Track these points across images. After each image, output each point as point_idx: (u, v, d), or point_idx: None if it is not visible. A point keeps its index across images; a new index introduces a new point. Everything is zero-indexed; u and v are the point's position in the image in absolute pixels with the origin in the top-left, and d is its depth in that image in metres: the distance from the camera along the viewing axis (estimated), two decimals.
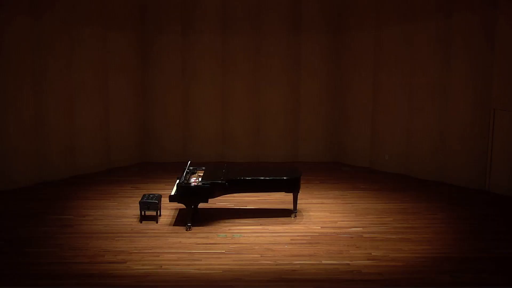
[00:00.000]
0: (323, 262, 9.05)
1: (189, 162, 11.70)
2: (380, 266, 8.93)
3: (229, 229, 10.47)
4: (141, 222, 10.77)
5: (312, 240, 9.95)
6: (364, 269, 8.81)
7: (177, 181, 10.70)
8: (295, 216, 11.11)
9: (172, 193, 10.58)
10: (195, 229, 10.36)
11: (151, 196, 11.05)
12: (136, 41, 15.15)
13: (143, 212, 10.85)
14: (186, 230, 10.34)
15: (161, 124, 15.71)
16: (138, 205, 10.99)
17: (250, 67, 15.64)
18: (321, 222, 10.93)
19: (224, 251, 9.44)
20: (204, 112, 15.78)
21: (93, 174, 14.33)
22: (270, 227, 10.56)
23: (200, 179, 10.76)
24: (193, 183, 10.52)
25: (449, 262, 9.09)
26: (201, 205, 10.77)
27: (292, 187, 10.96)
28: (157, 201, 10.84)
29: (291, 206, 11.22)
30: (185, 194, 10.35)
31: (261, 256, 9.26)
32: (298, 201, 11.29)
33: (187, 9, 15.30)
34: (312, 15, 15.42)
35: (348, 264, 8.98)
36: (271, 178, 10.89)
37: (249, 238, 10.01)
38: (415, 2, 13.85)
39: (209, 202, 10.58)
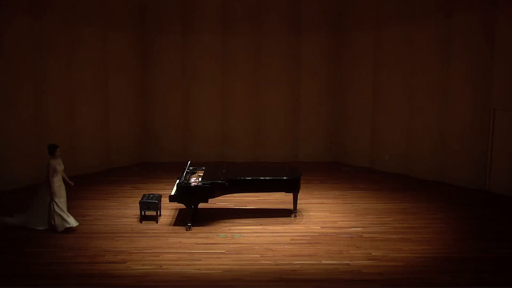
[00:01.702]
0: (323, 262, 9.04)
1: (189, 162, 11.69)
2: (380, 266, 8.92)
3: (229, 229, 10.46)
4: (141, 222, 10.77)
5: (312, 240, 9.94)
6: (364, 269, 8.81)
7: (177, 181, 10.69)
8: (295, 216, 11.11)
9: (172, 193, 10.58)
10: (195, 229, 10.36)
11: (151, 196, 11.05)
12: (136, 41, 15.15)
13: (143, 212, 10.85)
14: (186, 230, 10.33)
15: (161, 124, 15.71)
16: (138, 205, 10.99)
17: (250, 67, 15.65)
18: (321, 222, 10.93)
19: (224, 251, 9.44)
20: (204, 112, 15.79)
21: (93, 174, 14.33)
22: (270, 227, 10.56)
23: (200, 179, 10.76)
24: (193, 183, 10.52)
25: (449, 262, 9.09)
26: (201, 205, 10.77)
27: (292, 187, 10.96)
28: (157, 201, 10.84)
29: (291, 206, 11.22)
30: (185, 194, 10.35)
31: (261, 256, 9.26)
32: (298, 201, 11.29)
33: (187, 9, 15.30)
34: (312, 15, 15.43)
35: (348, 264, 8.98)
36: (271, 178, 10.89)
37: (249, 238, 10.01)
38: (415, 2, 13.85)
39: (209, 202, 10.58)
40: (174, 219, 10.96)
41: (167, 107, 15.65)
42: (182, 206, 11.04)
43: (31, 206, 10.34)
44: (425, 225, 10.81)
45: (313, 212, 11.47)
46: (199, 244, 9.73)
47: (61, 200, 10.20)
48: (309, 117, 15.91)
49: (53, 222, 10.11)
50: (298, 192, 11.09)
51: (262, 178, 10.85)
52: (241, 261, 9.08)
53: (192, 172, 11.33)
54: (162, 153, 15.78)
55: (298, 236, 10.15)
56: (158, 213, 10.92)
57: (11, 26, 12.57)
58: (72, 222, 10.20)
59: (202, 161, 13.98)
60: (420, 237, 10.14)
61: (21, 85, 12.89)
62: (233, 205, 11.85)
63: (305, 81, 15.77)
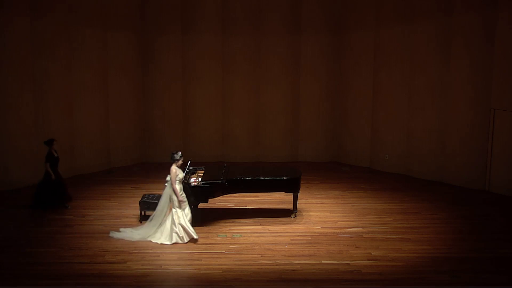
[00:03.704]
0: (323, 262, 9.05)
1: (189, 162, 11.70)
2: (380, 266, 8.93)
3: (229, 229, 10.46)
4: (141, 222, 10.77)
5: (312, 240, 9.95)
6: (364, 269, 8.81)
7: None
8: (295, 216, 11.11)
9: None
10: (195, 229, 10.34)
11: (151, 196, 11.06)
12: (136, 41, 15.15)
13: (143, 212, 10.86)
14: None
15: (161, 124, 15.71)
16: (138, 205, 10.99)
17: (250, 67, 15.64)
18: (321, 222, 10.94)
19: (224, 251, 9.45)
20: (204, 112, 15.78)
21: (93, 174, 14.32)
22: (270, 227, 10.56)
23: (200, 179, 10.76)
24: (193, 183, 10.52)
25: (449, 262, 9.09)
26: (201, 205, 10.77)
27: (292, 187, 10.96)
28: (157, 201, 10.84)
29: (291, 206, 11.22)
30: (185, 194, 10.34)
31: (261, 256, 9.26)
32: (298, 201, 11.30)
33: (187, 9, 15.30)
34: (312, 15, 15.42)
35: (348, 264, 8.98)
36: (271, 178, 10.90)
37: (249, 238, 10.01)
38: (415, 2, 13.84)
39: (209, 202, 10.58)
40: None
41: (167, 107, 15.64)
42: None
43: (152, 217, 10.02)
44: (425, 225, 10.81)
45: (313, 212, 11.47)
46: (199, 244, 9.73)
47: (185, 211, 9.92)
48: (309, 117, 15.90)
49: (174, 232, 9.77)
50: (298, 192, 11.09)
51: (262, 178, 10.86)
52: (241, 261, 9.08)
53: (192, 172, 11.33)
54: (162, 153, 15.75)
55: (298, 236, 10.15)
56: None
57: (11, 27, 12.57)
58: (193, 234, 9.88)
59: (202, 161, 13.98)
60: (420, 237, 10.15)
61: (21, 85, 12.89)
62: (233, 205, 11.85)
63: (305, 81, 15.76)
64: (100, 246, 9.62)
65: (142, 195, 11.24)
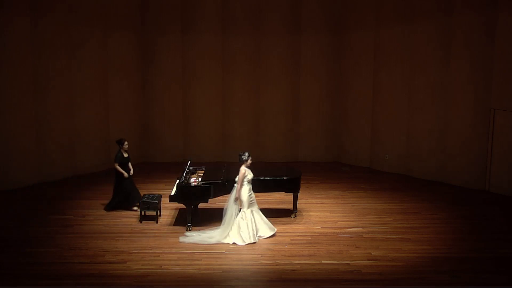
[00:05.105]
0: (323, 262, 9.05)
1: (189, 162, 11.69)
2: (380, 266, 8.93)
3: None
4: (141, 222, 10.77)
5: (312, 240, 9.95)
6: (364, 269, 8.81)
7: (177, 181, 10.70)
8: (295, 216, 11.11)
9: (172, 193, 10.57)
10: (195, 229, 10.35)
11: (151, 196, 11.06)
12: (136, 42, 15.15)
13: (143, 212, 10.86)
14: (186, 230, 10.32)
15: (161, 124, 15.71)
16: (138, 205, 10.98)
17: (250, 67, 15.64)
18: (321, 222, 10.94)
19: (224, 251, 9.44)
20: (204, 112, 15.78)
21: (93, 174, 14.32)
22: None
23: (200, 179, 10.76)
24: (193, 183, 10.52)
25: (449, 262, 9.09)
26: (201, 205, 10.77)
27: (292, 187, 10.96)
28: (157, 201, 10.85)
29: (291, 206, 11.22)
30: (185, 194, 10.35)
31: (261, 256, 9.26)
32: (298, 201, 11.29)
33: (187, 9, 15.30)
34: (312, 15, 15.42)
35: (348, 264, 8.98)
36: (271, 178, 10.89)
37: None
38: (415, 2, 13.85)
39: (209, 202, 10.58)
40: (174, 219, 10.96)
41: (167, 107, 15.65)
42: (182, 206, 11.03)
43: (224, 220, 9.96)
44: (425, 225, 10.81)
45: (313, 212, 11.47)
46: (199, 244, 9.73)
47: (253, 210, 9.89)
48: (309, 117, 15.90)
49: (241, 233, 9.77)
50: (298, 192, 11.09)
51: (262, 178, 10.85)
52: (241, 261, 9.09)
53: (192, 172, 11.34)
54: (162, 153, 15.78)
55: (298, 236, 10.15)
56: (158, 213, 10.93)
57: (11, 27, 12.57)
58: (266, 233, 9.94)
59: (202, 161, 13.98)
60: (420, 237, 10.14)
61: (21, 85, 12.89)
62: None
63: (305, 81, 15.76)
64: (100, 246, 9.61)
65: (142, 195, 11.23)
